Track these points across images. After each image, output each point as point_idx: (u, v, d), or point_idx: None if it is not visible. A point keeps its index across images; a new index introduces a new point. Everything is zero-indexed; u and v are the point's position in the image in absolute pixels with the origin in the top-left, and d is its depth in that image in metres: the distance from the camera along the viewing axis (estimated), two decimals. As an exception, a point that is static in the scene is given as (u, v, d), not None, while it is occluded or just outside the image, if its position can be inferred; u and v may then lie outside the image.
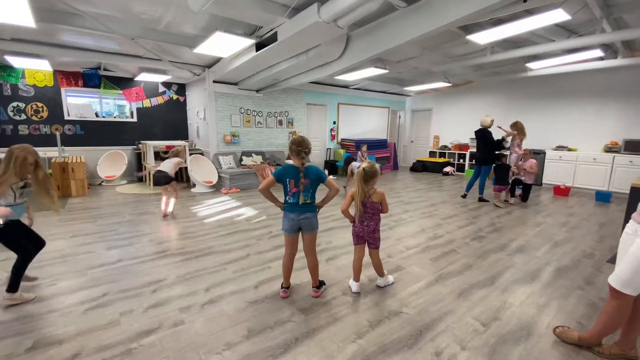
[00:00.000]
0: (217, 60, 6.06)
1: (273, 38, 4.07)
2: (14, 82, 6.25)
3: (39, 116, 6.57)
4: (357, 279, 2.59)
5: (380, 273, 2.66)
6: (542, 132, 7.92)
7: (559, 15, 3.45)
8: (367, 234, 2.52)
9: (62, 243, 3.50)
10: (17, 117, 6.36)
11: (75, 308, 2.27)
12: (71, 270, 2.85)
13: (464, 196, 6.31)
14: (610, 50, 5.53)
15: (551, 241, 3.85)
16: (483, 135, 5.89)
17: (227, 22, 4.05)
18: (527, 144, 8.09)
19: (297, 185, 2.27)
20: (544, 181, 7.53)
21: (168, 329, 2.05)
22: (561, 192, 6.64)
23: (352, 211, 2.56)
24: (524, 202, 5.92)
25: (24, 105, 6.39)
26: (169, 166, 4.60)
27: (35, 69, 6.28)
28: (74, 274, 2.78)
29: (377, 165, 2.51)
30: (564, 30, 4.59)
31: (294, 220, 2.33)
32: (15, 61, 5.49)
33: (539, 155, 7.59)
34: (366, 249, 2.60)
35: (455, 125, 9.90)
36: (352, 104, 9.97)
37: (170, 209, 4.65)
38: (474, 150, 8.83)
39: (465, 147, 9.40)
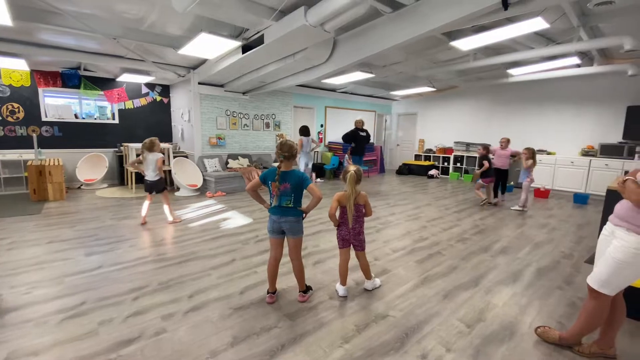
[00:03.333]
0: (203, 61, 5.98)
1: (259, 40, 4.04)
2: (-13, 81, 5.99)
3: (14, 117, 6.31)
4: (343, 282, 2.59)
5: (368, 276, 2.67)
6: (523, 136, 8.15)
7: (538, 24, 3.57)
8: (352, 236, 2.54)
9: (38, 249, 3.36)
10: (-10, 118, 6.09)
11: (51, 317, 2.18)
12: (47, 278, 2.74)
13: None
14: (586, 57, 5.75)
15: (532, 242, 3.95)
16: (352, 135, 6.78)
17: (213, 23, 4.01)
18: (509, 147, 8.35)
19: (278, 188, 2.27)
20: (525, 184, 7.74)
21: (149, 338, 1.99)
22: (541, 194, 6.85)
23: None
24: (502, 195, 6.35)
25: (-2, 105, 6.14)
26: (152, 168, 4.21)
27: (11, 68, 6.04)
28: (50, 282, 2.67)
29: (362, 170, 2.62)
30: (542, 38, 4.75)
31: (275, 222, 2.35)
32: (-11, 60, 5.27)
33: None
34: (352, 253, 2.60)
35: (439, 129, 10.08)
36: (339, 107, 10.01)
37: (169, 217, 4.39)
38: (460, 153, 9.01)
39: (449, 150, 9.59)
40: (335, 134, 9.98)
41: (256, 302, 2.43)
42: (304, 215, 2.39)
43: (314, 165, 9.20)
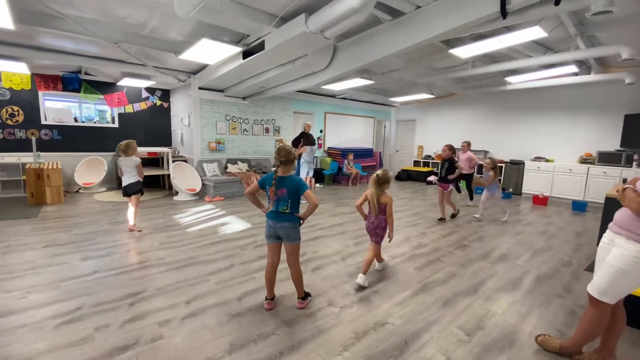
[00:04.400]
0: (203, 67, 6.00)
1: (260, 46, 4.07)
2: (-12, 84, 6.00)
3: (14, 120, 6.30)
4: (364, 271, 2.86)
5: (379, 259, 3.13)
6: (521, 144, 8.20)
7: (536, 33, 3.61)
8: (371, 229, 2.93)
9: (34, 254, 3.33)
10: (-11, 121, 6.09)
11: (46, 323, 2.15)
12: (43, 283, 2.71)
13: None
14: (584, 66, 5.81)
15: (531, 249, 3.94)
16: (298, 139, 6.93)
17: (214, 29, 4.03)
18: (507, 154, 8.37)
19: (275, 193, 2.27)
20: (523, 191, 7.76)
21: (146, 344, 1.96)
22: (540, 201, 6.85)
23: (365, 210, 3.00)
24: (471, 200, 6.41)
25: (-3, 108, 6.14)
26: (129, 172, 4.06)
27: (12, 71, 6.04)
28: (46, 287, 2.64)
29: (390, 173, 3.07)
30: (540, 46, 4.80)
31: (271, 227, 2.34)
32: (-11, 63, 5.28)
33: (518, 165, 7.84)
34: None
35: (438, 136, 10.12)
36: (339, 113, 10.05)
37: (131, 222, 4.19)
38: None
39: (448, 157, 9.62)
40: (334, 140, 10.02)
41: (254, 308, 2.41)
42: (301, 221, 2.36)
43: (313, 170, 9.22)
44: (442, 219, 5.17)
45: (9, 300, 2.41)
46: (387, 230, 2.92)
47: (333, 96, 9.42)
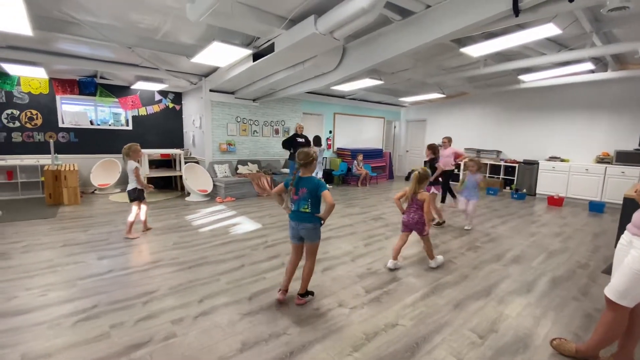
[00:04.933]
0: (214, 69, 6.09)
1: (270, 49, 4.10)
2: (8, 89, 6.20)
3: (33, 123, 6.51)
4: (394, 258, 3.21)
5: (430, 256, 3.26)
6: (535, 143, 8.03)
7: (550, 30, 3.54)
8: (412, 224, 3.19)
9: (52, 253, 3.43)
10: (10, 125, 6.29)
11: (64, 320, 2.21)
12: (60, 281, 2.79)
13: None
14: (600, 63, 5.66)
15: (546, 251, 3.86)
16: (290, 141, 6.90)
17: (225, 32, 4.09)
18: (521, 154, 8.22)
19: (296, 193, 2.39)
20: (537, 191, 7.60)
21: (159, 342, 2.00)
22: (555, 202, 6.70)
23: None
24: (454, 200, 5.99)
25: (18, 112, 6.34)
26: (131, 177, 4.01)
27: (30, 76, 6.25)
28: (64, 285, 2.72)
29: (429, 171, 3.31)
30: (555, 44, 4.70)
31: (293, 228, 2.45)
32: (10, 68, 5.46)
33: (532, 165, 7.68)
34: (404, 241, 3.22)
35: (449, 136, 9.96)
36: (348, 114, 10.04)
37: (131, 219, 4.06)
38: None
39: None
40: (344, 141, 10.01)
41: (265, 308, 2.43)
42: (322, 222, 2.43)
43: (322, 171, 9.23)
44: (439, 223, 4.88)
45: (29, 298, 2.49)
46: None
47: (342, 97, 9.41)
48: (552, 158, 7.56)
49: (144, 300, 2.50)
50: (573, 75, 6.13)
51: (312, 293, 2.61)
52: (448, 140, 6.06)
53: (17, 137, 6.37)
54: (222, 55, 4.37)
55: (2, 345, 1.93)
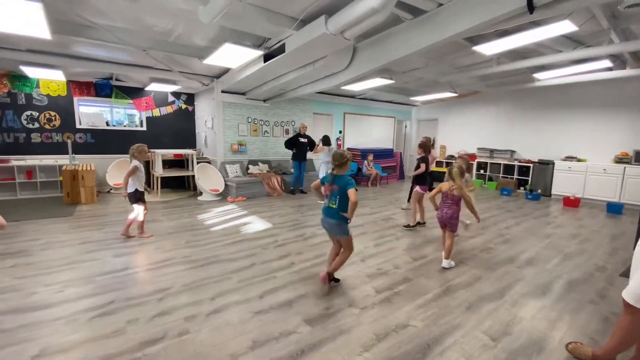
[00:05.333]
0: (226, 70, 6.16)
1: (281, 49, 4.13)
2: (28, 91, 6.41)
3: (51, 125, 6.71)
4: (447, 257, 3.24)
5: (447, 255, 3.25)
6: (550, 143, 7.86)
7: (566, 27, 3.46)
8: (446, 219, 3.22)
9: (70, 250, 3.53)
10: (30, 126, 6.50)
11: (81, 315, 2.28)
12: (78, 277, 2.87)
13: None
14: (618, 60, 5.50)
15: (562, 253, 3.77)
16: (292, 140, 7.01)
17: (236, 34, 4.13)
18: (535, 154, 8.05)
19: (330, 189, 2.61)
20: (553, 192, 7.42)
21: (173, 338, 2.04)
22: (571, 203, 6.54)
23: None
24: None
25: (37, 114, 6.55)
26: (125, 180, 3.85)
27: (49, 79, 6.44)
28: (81, 281, 2.80)
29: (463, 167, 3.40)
30: (571, 41, 4.59)
31: (322, 220, 2.71)
32: (30, 71, 5.65)
33: (547, 165, 7.51)
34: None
35: (461, 135, 9.88)
36: (358, 114, 10.01)
37: (132, 216, 4.02)
38: (483, 160, 8.81)
39: (472, 156, 9.34)
40: (354, 141, 9.99)
41: (276, 306, 2.45)
42: (348, 220, 2.58)
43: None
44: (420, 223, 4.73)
45: (48, 294, 2.57)
46: (461, 219, 3.38)
47: (353, 96, 9.39)
48: (568, 158, 7.37)
49: (158, 297, 2.55)
50: (590, 73, 5.96)
51: (337, 280, 2.81)
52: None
53: (36, 137, 6.58)
54: (234, 57, 4.42)
55: (22, 339, 2.00)
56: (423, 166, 4.75)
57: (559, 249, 3.91)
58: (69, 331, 2.10)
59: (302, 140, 6.97)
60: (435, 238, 4.21)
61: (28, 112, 6.47)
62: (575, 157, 7.31)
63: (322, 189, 2.74)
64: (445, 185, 3.27)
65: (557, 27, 3.48)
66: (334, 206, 2.57)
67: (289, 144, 6.97)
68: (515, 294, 2.74)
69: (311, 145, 7.11)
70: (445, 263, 3.25)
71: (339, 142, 9.66)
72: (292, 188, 7.23)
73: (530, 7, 2.52)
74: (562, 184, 7.25)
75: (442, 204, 3.30)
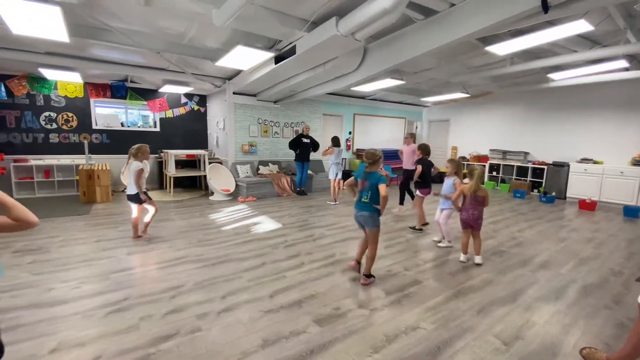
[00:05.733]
0: (237, 72, 6.23)
1: (292, 51, 4.16)
2: (46, 93, 6.61)
3: (69, 125, 6.90)
4: (464, 252, 3.42)
5: (480, 252, 3.42)
6: (565, 144, 7.69)
7: (581, 26, 3.39)
8: (473, 220, 3.32)
9: (86, 247, 3.63)
10: (48, 126, 6.70)
11: (97, 311, 2.34)
12: (94, 274, 2.95)
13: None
14: (635, 60, 5.34)
15: (576, 257, 3.69)
16: (295, 141, 7.07)
17: (248, 36, 4.18)
18: (550, 156, 7.89)
19: (362, 184, 2.82)
20: (568, 195, 7.26)
21: (185, 335, 2.08)
22: (587, 206, 6.38)
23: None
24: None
25: (55, 115, 6.74)
26: (131, 178, 3.79)
27: (67, 80, 6.63)
28: (97, 278, 2.87)
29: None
30: (587, 40, 4.49)
31: (355, 215, 2.92)
32: (48, 73, 5.83)
33: (562, 167, 7.35)
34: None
35: (473, 136, 9.75)
36: (368, 115, 9.99)
37: (147, 219, 4.03)
38: (496, 162, 8.68)
39: (484, 158, 9.22)
40: (363, 141, 9.96)
41: (286, 306, 2.47)
42: (379, 213, 2.78)
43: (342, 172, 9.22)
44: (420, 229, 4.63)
45: (65, 290, 2.65)
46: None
47: (363, 97, 9.38)
48: (584, 160, 7.20)
49: (171, 295, 2.60)
50: (606, 73, 5.82)
51: (374, 276, 2.94)
52: (411, 136, 5.72)
53: (54, 138, 6.77)
54: (245, 59, 4.47)
55: (40, 333, 2.07)
56: (419, 168, 4.62)
57: (573, 253, 3.83)
58: (85, 326, 2.16)
59: (305, 140, 7.01)
60: (454, 238, 4.17)
61: (46, 113, 6.67)
62: (592, 160, 7.13)
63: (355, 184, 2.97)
64: (466, 187, 3.30)
65: (572, 27, 3.42)
66: (367, 200, 2.80)
67: (293, 144, 7.03)
68: (528, 298, 2.70)
69: (314, 146, 7.15)
70: (479, 259, 3.38)
71: (348, 143, 9.65)
72: (298, 189, 7.27)
73: (545, 7, 2.48)
74: (578, 186, 7.08)
75: (467, 205, 3.33)
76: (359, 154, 9.70)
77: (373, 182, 2.77)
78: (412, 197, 5.45)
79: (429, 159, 4.72)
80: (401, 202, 5.77)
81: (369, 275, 2.90)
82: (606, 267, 3.44)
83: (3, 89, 6.20)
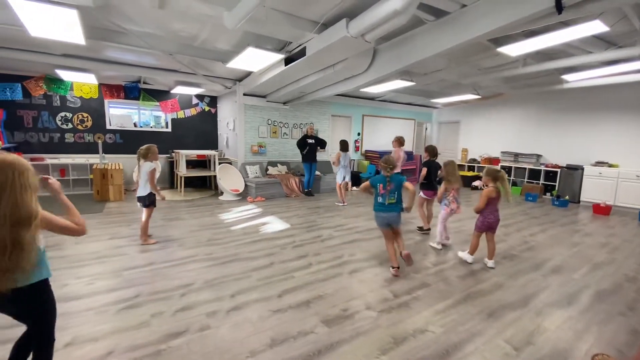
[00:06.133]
0: (248, 74, 6.29)
1: (302, 53, 4.18)
2: (62, 93, 6.78)
3: (83, 125, 7.06)
4: (473, 253, 3.48)
5: (493, 256, 3.45)
6: (579, 147, 7.53)
7: (597, 27, 3.33)
8: (496, 223, 3.36)
9: (100, 245, 3.71)
10: (64, 126, 6.87)
11: (110, 307, 2.40)
12: (107, 271, 3.02)
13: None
14: (654, 61, 5.21)
15: (590, 263, 3.61)
16: (301, 142, 7.10)
17: (259, 38, 4.22)
18: (563, 159, 7.74)
19: (384, 188, 3.08)
20: (582, 199, 7.11)
21: (195, 332, 2.11)
22: (601, 210, 6.24)
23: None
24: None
25: (70, 115, 6.91)
26: (145, 179, 3.73)
27: (82, 82, 6.78)
28: (110, 275, 2.94)
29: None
30: (602, 41, 4.40)
31: (383, 218, 3.14)
32: (64, 75, 5.97)
33: (576, 171, 7.21)
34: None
35: (484, 138, 9.63)
36: (377, 116, 9.96)
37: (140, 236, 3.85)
38: (507, 164, 8.56)
39: (495, 160, 9.09)
40: (372, 143, 9.94)
41: (294, 306, 2.48)
42: (406, 210, 3.12)
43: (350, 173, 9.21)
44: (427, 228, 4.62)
45: (79, 286, 2.72)
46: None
47: (372, 99, 9.36)
48: (599, 163, 7.04)
49: (181, 293, 2.64)
50: (622, 75, 5.69)
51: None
52: (397, 141, 5.43)
53: (69, 137, 6.94)
54: (256, 60, 4.52)
55: (56, 328, 2.12)
56: (425, 170, 4.60)
57: (587, 258, 3.75)
58: (99, 321, 2.21)
59: (310, 141, 7.03)
60: (453, 244, 4.13)
61: (62, 114, 6.84)
62: (607, 163, 6.97)
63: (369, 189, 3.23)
64: (493, 191, 3.30)
65: (587, 28, 3.36)
66: (394, 201, 3.11)
67: (299, 145, 7.06)
68: (539, 303, 2.66)
69: (320, 143, 7.17)
70: (492, 262, 3.40)
71: (357, 144, 9.64)
72: (306, 190, 7.28)
73: (559, 8, 2.45)
74: (592, 190, 6.93)
75: (491, 208, 3.34)
76: (367, 155, 9.68)
77: (398, 183, 3.11)
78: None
79: (436, 160, 4.67)
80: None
81: (406, 255, 3.07)
82: (620, 272, 3.36)
83: (21, 89, 6.39)
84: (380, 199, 3.12)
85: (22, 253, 1.21)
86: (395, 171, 3.80)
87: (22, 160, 1.30)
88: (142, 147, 3.79)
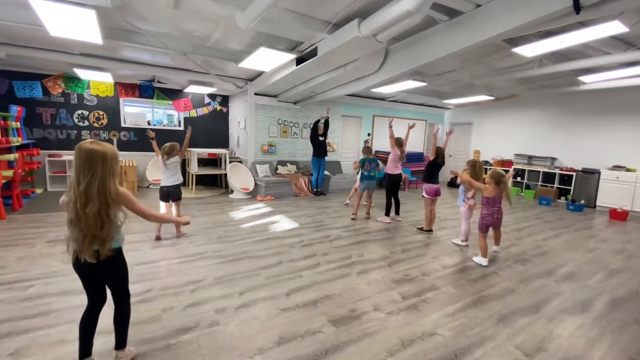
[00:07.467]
0: (259, 74, 6.33)
1: (313, 53, 4.19)
2: (80, 92, 6.96)
3: (99, 123, 7.24)
4: (485, 255, 3.48)
5: (499, 242, 3.78)
6: (596, 151, 7.34)
7: (616, 28, 3.24)
8: (499, 222, 3.55)
9: (113, 240, 3.78)
10: (80, 124, 7.05)
11: (122, 301, 2.44)
12: (120, 266, 3.08)
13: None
14: (677, 63, 5.04)
15: (605, 269, 3.52)
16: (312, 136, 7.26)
17: (271, 38, 4.25)
18: (579, 162, 7.55)
19: (369, 165, 3.86)
20: (598, 203, 6.93)
21: (204, 328, 2.14)
22: (618, 216, 6.07)
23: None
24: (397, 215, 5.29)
25: (87, 113, 7.08)
26: (172, 173, 3.98)
27: (99, 80, 6.95)
28: (122, 270, 3.00)
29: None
30: (621, 42, 4.28)
31: (366, 183, 4.79)
32: (82, 73, 6.14)
33: (592, 175, 7.02)
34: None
35: (497, 140, 9.47)
36: (388, 116, 9.87)
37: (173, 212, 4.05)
38: (521, 167, 8.41)
39: (508, 163, 8.94)
40: (382, 143, 9.88)
41: (302, 305, 2.50)
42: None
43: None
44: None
45: (94, 279, 2.78)
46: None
47: (382, 99, 9.31)
48: (616, 167, 6.85)
49: (192, 289, 2.68)
50: (643, 76, 5.52)
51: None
52: (396, 141, 5.25)
53: (85, 135, 7.11)
54: (268, 60, 4.54)
55: (71, 319, 2.19)
56: (427, 161, 4.67)
57: (602, 264, 3.66)
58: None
59: (321, 138, 7.11)
60: (474, 245, 4.08)
61: (79, 111, 7.01)
62: (624, 167, 6.78)
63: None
64: (492, 191, 3.41)
65: (606, 28, 3.27)
66: (373, 174, 4.47)
67: (313, 142, 7.15)
68: (552, 309, 2.60)
69: (326, 126, 7.19)
70: (497, 248, 3.74)
71: (367, 144, 9.59)
72: (315, 190, 7.26)
73: (577, 7, 2.39)
74: (609, 194, 6.75)
75: (489, 208, 3.46)
76: (377, 156, 9.59)
77: (375, 164, 4.62)
78: (398, 207, 5.24)
79: (439, 161, 4.64)
80: (387, 213, 5.14)
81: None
82: (636, 280, 3.26)
83: (40, 87, 6.58)
84: (365, 173, 4.91)
85: (111, 225, 1.62)
86: (395, 168, 5.06)
87: (107, 149, 1.57)
88: (166, 145, 3.98)
